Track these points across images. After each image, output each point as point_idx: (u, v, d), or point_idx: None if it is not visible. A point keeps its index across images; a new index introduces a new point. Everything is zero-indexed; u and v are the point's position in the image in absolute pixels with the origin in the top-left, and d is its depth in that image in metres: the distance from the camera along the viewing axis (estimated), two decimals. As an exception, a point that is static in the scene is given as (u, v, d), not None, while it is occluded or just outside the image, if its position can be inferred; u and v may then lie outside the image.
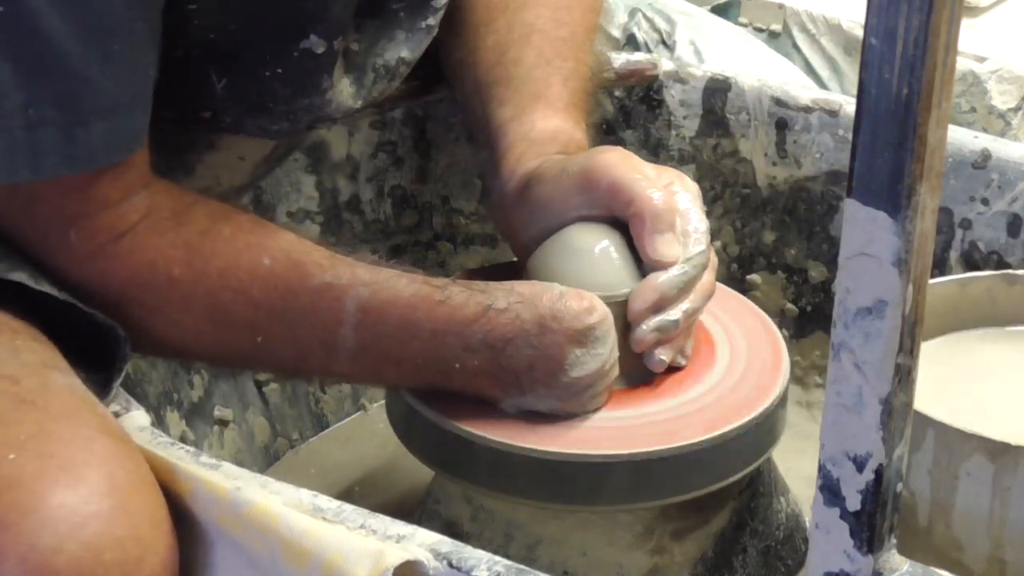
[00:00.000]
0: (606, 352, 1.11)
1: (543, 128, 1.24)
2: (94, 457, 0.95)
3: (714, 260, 1.18)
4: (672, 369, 1.18)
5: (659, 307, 1.14)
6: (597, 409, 1.14)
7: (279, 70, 1.17)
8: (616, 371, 1.13)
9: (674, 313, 1.14)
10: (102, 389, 1.05)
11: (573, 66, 1.29)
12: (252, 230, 1.11)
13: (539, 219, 1.18)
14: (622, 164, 1.16)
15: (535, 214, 1.18)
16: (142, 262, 1.07)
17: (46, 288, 1.05)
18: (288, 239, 1.11)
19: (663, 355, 1.15)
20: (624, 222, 1.16)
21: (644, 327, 1.14)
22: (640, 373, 1.16)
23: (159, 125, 1.09)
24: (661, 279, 1.14)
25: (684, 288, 1.15)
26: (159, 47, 1.07)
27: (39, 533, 0.92)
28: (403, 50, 1.25)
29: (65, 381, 1.01)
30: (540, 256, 1.17)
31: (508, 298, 1.10)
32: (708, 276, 1.17)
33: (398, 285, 1.10)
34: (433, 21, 1.26)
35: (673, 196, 1.16)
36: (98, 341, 1.07)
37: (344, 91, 1.22)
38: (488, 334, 1.09)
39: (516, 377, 1.10)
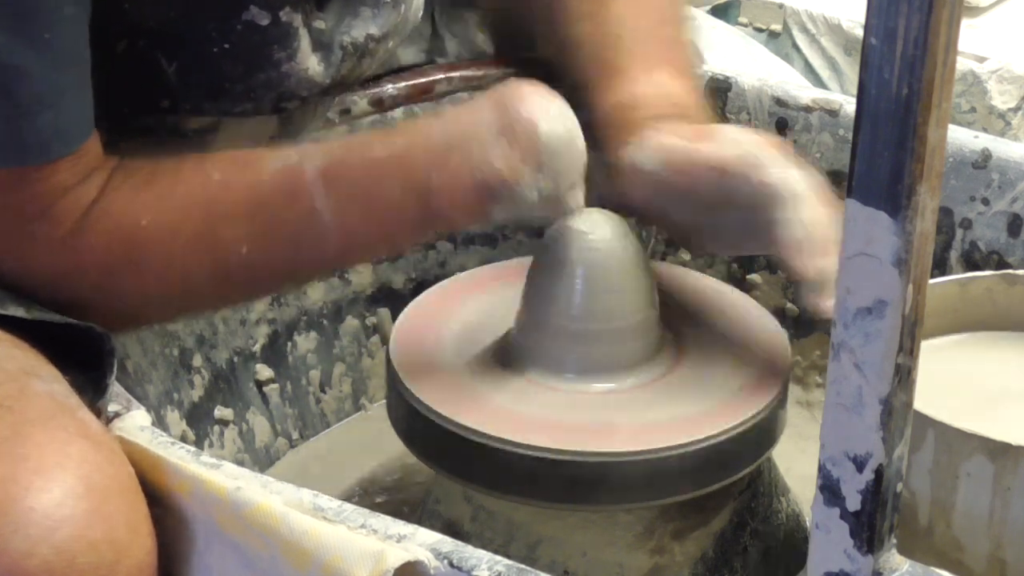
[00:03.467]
0: (573, 126, 1.07)
1: (651, 91, 1.18)
2: (70, 460, 0.94)
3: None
4: (671, 369, 1.18)
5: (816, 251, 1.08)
6: (578, 204, 1.10)
7: (226, 45, 1.16)
8: (583, 153, 1.09)
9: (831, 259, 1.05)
10: (97, 388, 1.04)
11: (669, 31, 1.25)
12: (189, 156, 1.10)
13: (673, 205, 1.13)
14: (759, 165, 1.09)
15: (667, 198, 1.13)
16: (109, 227, 1.06)
17: (10, 311, 1.04)
18: (224, 151, 1.11)
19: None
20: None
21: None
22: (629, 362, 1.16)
23: (125, 124, 1.09)
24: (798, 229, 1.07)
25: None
26: (87, 31, 1.05)
27: (10, 537, 0.91)
28: (371, 27, 1.25)
29: (44, 387, 1.00)
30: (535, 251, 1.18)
31: (457, 104, 1.10)
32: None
33: (347, 141, 1.10)
34: None
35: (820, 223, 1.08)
36: (87, 342, 1.06)
37: (311, 68, 1.21)
38: (450, 126, 1.07)
39: (493, 161, 1.06)
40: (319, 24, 1.21)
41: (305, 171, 1.07)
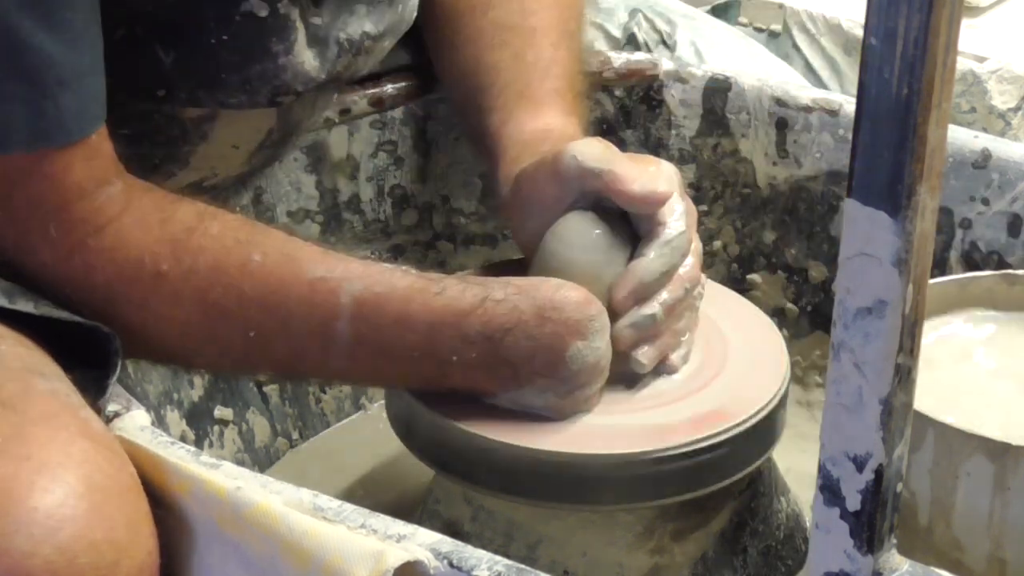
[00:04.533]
0: (603, 347, 1.10)
1: (533, 128, 1.23)
2: (71, 460, 0.94)
3: (698, 246, 1.16)
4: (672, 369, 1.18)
5: (640, 296, 1.13)
6: (588, 410, 1.13)
7: (224, 36, 1.16)
8: (607, 372, 1.12)
9: (650, 307, 1.13)
10: (99, 386, 1.04)
11: (551, 54, 1.28)
12: (241, 227, 1.10)
13: (528, 218, 1.17)
14: (590, 147, 1.14)
15: (524, 213, 1.18)
16: (127, 257, 1.06)
17: (20, 307, 1.04)
18: (278, 236, 1.11)
19: (643, 356, 1.14)
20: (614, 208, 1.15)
21: (620, 324, 1.12)
22: (632, 374, 1.16)
23: (121, 110, 1.08)
24: (639, 264, 1.12)
25: (666, 273, 1.13)
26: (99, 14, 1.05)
27: (12, 536, 0.90)
28: (366, 24, 1.25)
29: (47, 386, 1.00)
30: (538, 253, 1.17)
31: (505, 290, 1.10)
32: (691, 262, 1.15)
33: (393, 279, 1.09)
34: None
35: (647, 168, 1.14)
36: (93, 340, 1.06)
37: (307, 62, 1.21)
38: (486, 325, 1.08)
39: (514, 370, 1.09)
40: (316, 19, 1.21)
41: (340, 292, 1.08)
